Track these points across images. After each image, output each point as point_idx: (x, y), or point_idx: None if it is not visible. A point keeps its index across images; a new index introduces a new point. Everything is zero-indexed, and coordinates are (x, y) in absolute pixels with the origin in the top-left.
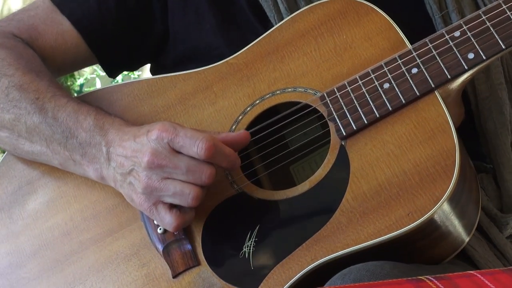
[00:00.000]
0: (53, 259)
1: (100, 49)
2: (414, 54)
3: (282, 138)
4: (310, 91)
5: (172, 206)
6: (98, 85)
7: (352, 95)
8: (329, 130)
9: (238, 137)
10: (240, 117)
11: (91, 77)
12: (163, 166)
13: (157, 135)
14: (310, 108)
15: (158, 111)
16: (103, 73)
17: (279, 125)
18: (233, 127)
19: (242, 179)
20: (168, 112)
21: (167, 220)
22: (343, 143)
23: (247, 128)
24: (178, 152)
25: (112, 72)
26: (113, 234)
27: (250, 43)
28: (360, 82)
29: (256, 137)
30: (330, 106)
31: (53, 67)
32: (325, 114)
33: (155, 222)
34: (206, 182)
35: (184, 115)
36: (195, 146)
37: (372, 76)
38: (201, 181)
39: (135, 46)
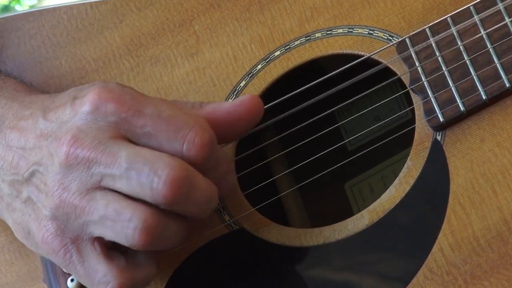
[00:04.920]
0: None
1: None
2: None
3: (330, 127)
4: (379, 34)
5: (112, 249)
6: None
7: (459, 43)
8: (413, 110)
9: (241, 107)
10: (243, 83)
11: None
12: (90, 160)
13: (96, 104)
14: (379, 67)
15: (87, 69)
16: None
17: (320, 97)
18: (229, 100)
19: (241, 203)
20: (106, 70)
21: (100, 273)
22: (438, 138)
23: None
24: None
25: None
26: None
27: None
28: (476, 19)
29: (274, 120)
30: (417, 63)
31: None
32: (406, 80)
33: (71, 280)
34: (166, 196)
35: (137, 77)
36: (181, 138)
37: (501, 6)
38: (155, 192)
39: None
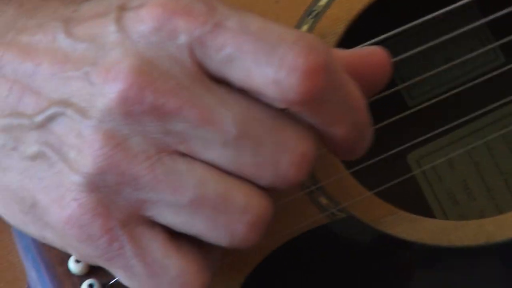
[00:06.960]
0: None
1: None
2: None
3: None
4: None
5: (174, 233)
6: None
7: None
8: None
9: (374, 57)
10: (321, 1)
11: None
12: (167, 111)
13: (161, 20)
14: None
15: None
16: None
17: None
18: (304, 27)
19: (346, 181)
20: None
21: (173, 271)
22: None
23: (346, 40)
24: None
25: None
26: None
27: None
28: None
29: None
30: None
31: None
32: None
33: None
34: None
35: None
36: (277, 60)
37: None
38: (276, 165)
39: None
